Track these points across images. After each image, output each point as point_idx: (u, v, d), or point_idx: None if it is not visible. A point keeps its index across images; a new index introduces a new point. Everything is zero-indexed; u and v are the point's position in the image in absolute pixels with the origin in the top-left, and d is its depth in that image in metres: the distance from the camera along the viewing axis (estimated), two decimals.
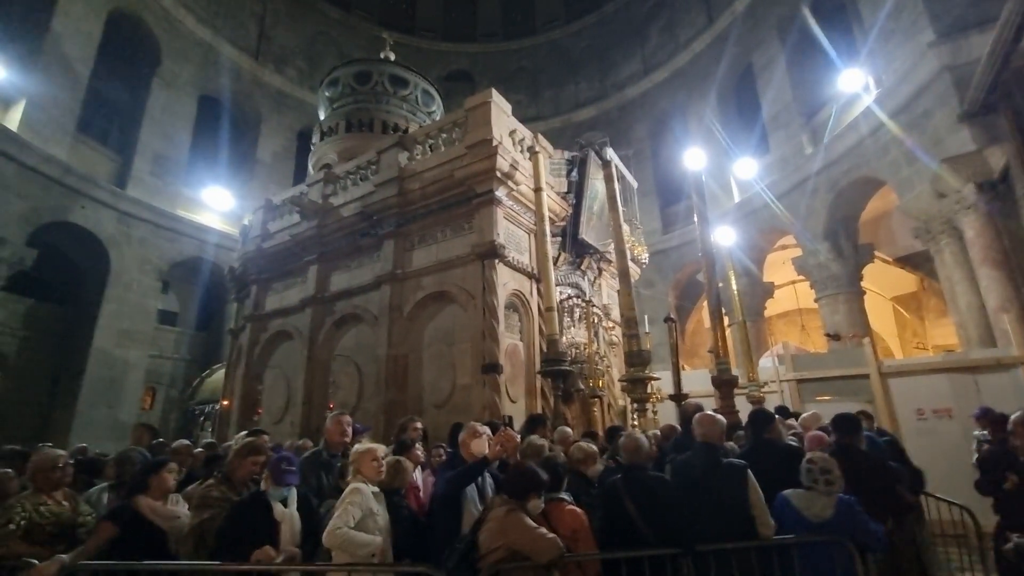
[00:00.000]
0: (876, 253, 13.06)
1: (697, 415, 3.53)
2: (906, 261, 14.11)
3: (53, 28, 13.18)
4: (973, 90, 8.36)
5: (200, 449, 5.65)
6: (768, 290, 15.43)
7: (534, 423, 4.65)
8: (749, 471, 3.03)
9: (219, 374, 12.00)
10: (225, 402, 9.50)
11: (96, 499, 3.78)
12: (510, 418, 5.23)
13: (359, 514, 2.89)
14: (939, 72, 9.23)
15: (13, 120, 12.24)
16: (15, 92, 12.49)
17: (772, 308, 16.46)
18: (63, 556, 2.77)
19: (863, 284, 12.79)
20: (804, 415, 5.69)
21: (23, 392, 13.40)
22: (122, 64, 15.79)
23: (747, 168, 15.04)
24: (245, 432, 5.24)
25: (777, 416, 4.28)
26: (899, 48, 10.32)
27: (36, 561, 2.72)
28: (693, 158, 6.65)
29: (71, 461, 3.56)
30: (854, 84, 11.85)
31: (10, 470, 3.77)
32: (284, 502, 3.00)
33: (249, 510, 2.91)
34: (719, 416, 3.49)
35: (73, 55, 13.59)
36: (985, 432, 5.33)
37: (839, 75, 12.27)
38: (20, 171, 11.95)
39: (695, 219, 6.69)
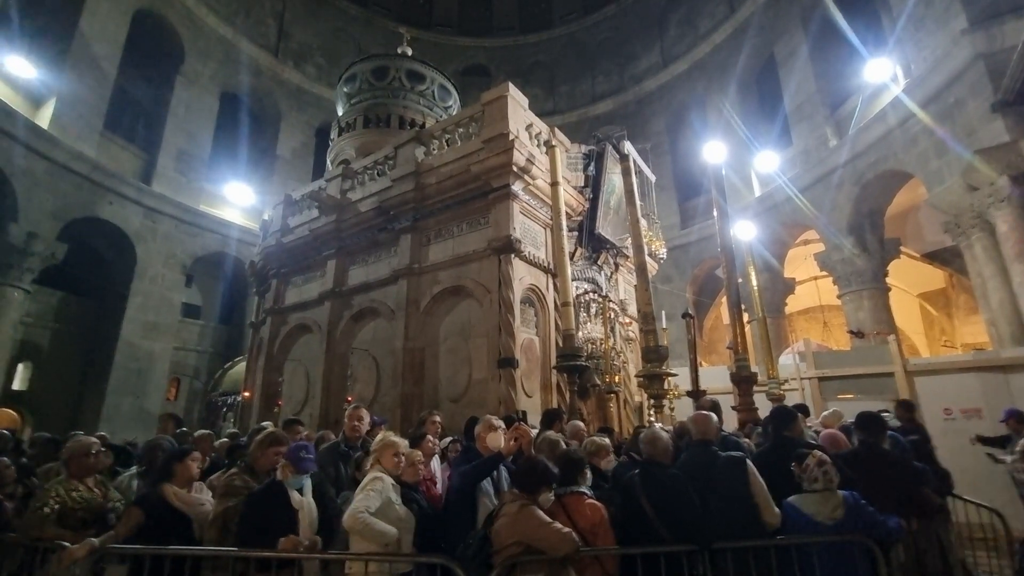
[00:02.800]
0: (903, 248, 12.71)
1: (691, 415, 3.54)
2: (934, 257, 13.70)
3: (81, 28, 13.52)
4: (1008, 78, 8.05)
5: (224, 439, 5.79)
6: (789, 286, 15.14)
7: (550, 418, 4.65)
8: (748, 461, 3.02)
9: (241, 366, 12.24)
10: (247, 393, 9.69)
11: (126, 486, 3.91)
12: (524, 413, 5.24)
13: (379, 501, 2.94)
14: (972, 60, 8.91)
15: (44, 118, 12.61)
16: (45, 91, 12.86)
17: (793, 304, 16.15)
18: (93, 540, 2.87)
19: (888, 280, 12.46)
20: (825, 413, 5.59)
21: (55, 382, 13.90)
22: (147, 62, 16.15)
23: (769, 161, 14.73)
24: (283, 422, 5.32)
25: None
26: (930, 36, 9.98)
27: (68, 544, 2.83)
28: (713, 151, 6.54)
29: (103, 449, 3.69)
30: (881, 74, 11.49)
31: (5, 458, 3.97)
32: (300, 491, 3.05)
33: (267, 499, 2.96)
34: (706, 412, 3.52)
35: (100, 54, 13.93)
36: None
37: (865, 65, 11.91)
38: (51, 168, 12.32)
39: (714, 213, 6.59)
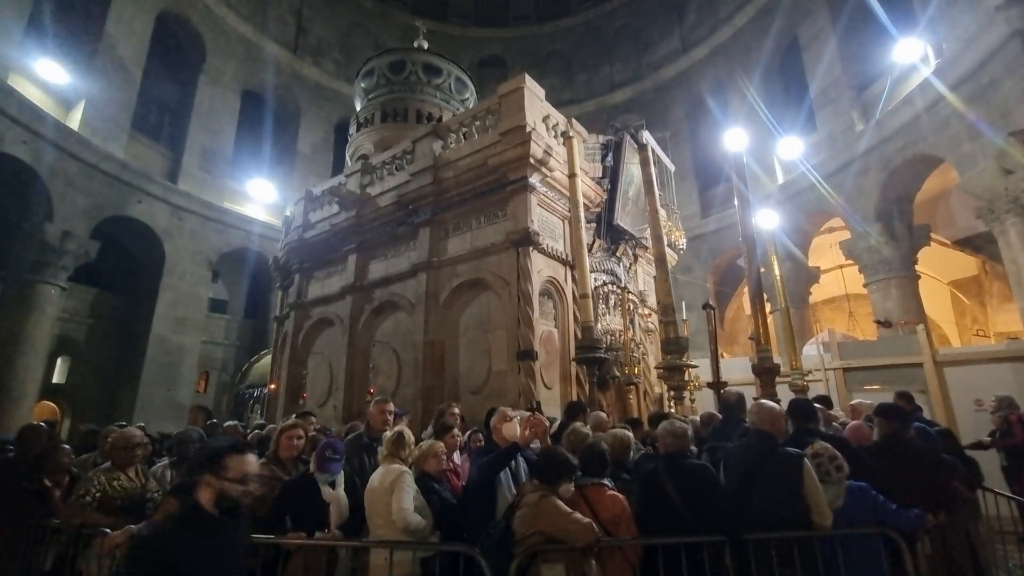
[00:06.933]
0: (932, 235, 12.31)
1: (754, 403, 3.42)
2: (966, 243, 13.25)
3: (107, 31, 13.88)
4: None
5: (255, 431, 5.98)
6: (813, 275, 14.79)
7: (573, 411, 4.66)
8: (806, 459, 2.91)
9: (266, 359, 12.55)
10: (272, 386, 9.94)
11: (160, 475, 4.07)
12: (538, 403, 5.27)
13: (412, 494, 3.08)
14: (1008, 37, 8.53)
15: (74, 120, 13.02)
16: (75, 94, 13.25)
17: (818, 294, 15.79)
18: (132, 527, 3.02)
19: (918, 268, 12.10)
20: (852, 403, 5.51)
21: (91, 375, 14.45)
22: (170, 63, 16.51)
23: (792, 148, 14.35)
24: (294, 415, 5.48)
25: (818, 405, 4.14)
26: (963, 13, 9.57)
27: (109, 531, 2.98)
28: (734, 138, 6.41)
29: (146, 440, 3.86)
30: (911, 54, 11.08)
31: (67, 446, 4.20)
32: (332, 484, 3.16)
33: (298, 490, 3.08)
34: (775, 404, 3.35)
35: (126, 56, 14.29)
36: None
37: (894, 45, 11.50)
38: (82, 168, 12.73)
39: (735, 202, 6.48)
